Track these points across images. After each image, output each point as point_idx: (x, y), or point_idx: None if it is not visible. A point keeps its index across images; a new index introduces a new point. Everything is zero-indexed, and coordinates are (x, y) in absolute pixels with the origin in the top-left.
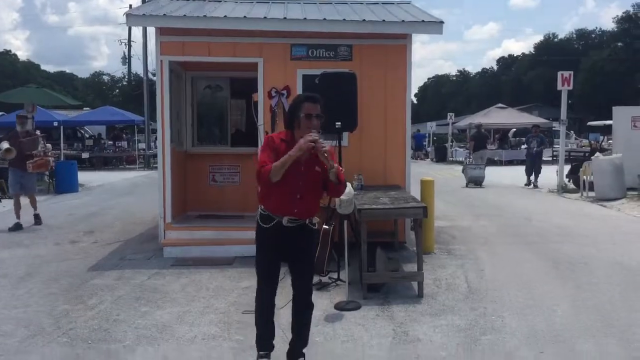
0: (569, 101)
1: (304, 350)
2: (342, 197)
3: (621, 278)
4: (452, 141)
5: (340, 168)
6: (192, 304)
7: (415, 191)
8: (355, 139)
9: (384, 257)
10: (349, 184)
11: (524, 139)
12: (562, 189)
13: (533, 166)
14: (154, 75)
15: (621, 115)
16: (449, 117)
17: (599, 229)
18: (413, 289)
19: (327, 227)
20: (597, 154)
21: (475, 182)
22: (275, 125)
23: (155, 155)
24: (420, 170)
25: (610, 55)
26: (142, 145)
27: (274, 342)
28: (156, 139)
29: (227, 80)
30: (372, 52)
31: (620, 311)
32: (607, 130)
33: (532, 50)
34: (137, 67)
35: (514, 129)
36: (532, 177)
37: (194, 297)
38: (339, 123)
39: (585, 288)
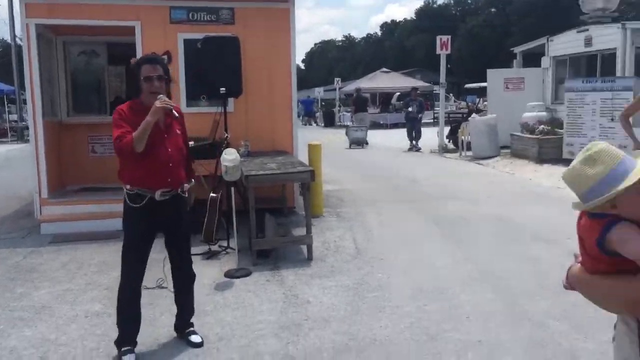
0: (448, 65)
1: (192, 320)
2: (228, 164)
3: (496, 231)
4: (339, 106)
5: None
6: (73, 281)
7: (303, 156)
8: (241, 105)
9: (273, 222)
10: (234, 150)
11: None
12: (443, 150)
13: (414, 129)
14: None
15: (495, 78)
16: (335, 82)
17: (477, 186)
18: (303, 252)
19: (214, 195)
20: (474, 115)
21: (357, 143)
22: None
23: (28, 127)
24: (310, 135)
25: (485, 21)
26: (14, 117)
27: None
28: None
29: (104, 45)
30: (255, 16)
31: (495, 263)
32: (483, 93)
33: (413, 16)
34: (4, 32)
35: (398, 93)
36: (414, 140)
37: (75, 274)
38: (224, 89)
39: (464, 242)
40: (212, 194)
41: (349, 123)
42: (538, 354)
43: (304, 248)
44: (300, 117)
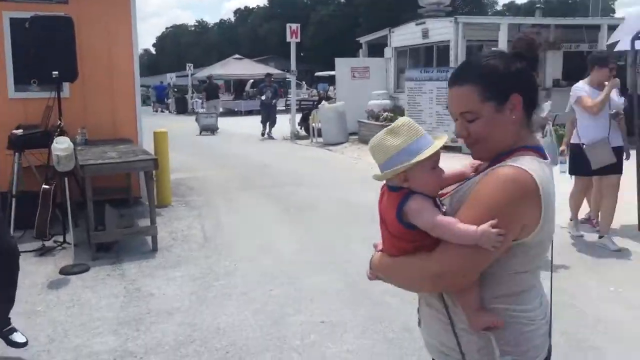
0: (301, 53)
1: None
2: (59, 153)
3: (341, 214)
4: (192, 92)
5: None
6: None
7: (150, 144)
8: (78, 89)
9: (114, 214)
10: (67, 139)
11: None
12: (295, 136)
13: (269, 117)
14: None
15: (342, 67)
16: (187, 68)
17: (325, 172)
18: (148, 244)
19: (47, 187)
20: (323, 102)
21: (208, 129)
22: None
23: None
24: (160, 122)
25: (334, 11)
26: None
27: None
28: None
29: None
30: None
31: (339, 245)
32: (333, 81)
33: (266, 3)
34: None
35: (252, 80)
36: (267, 127)
37: None
38: (56, 72)
39: (311, 226)
40: (44, 186)
41: (200, 110)
42: (376, 329)
43: (149, 239)
44: (152, 105)
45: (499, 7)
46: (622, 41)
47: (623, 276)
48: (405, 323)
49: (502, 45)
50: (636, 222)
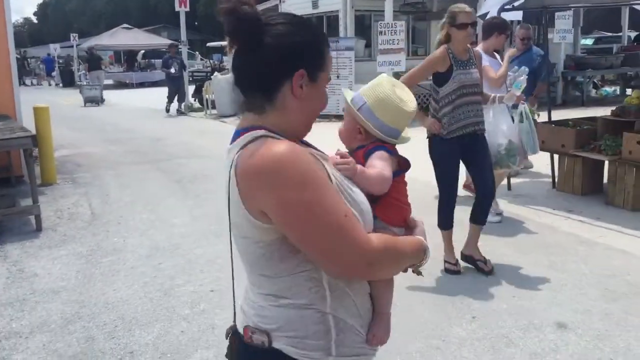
0: (195, 23)
1: None
2: None
3: None
4: (79, 64)
5: None
6: None
7: (31, 120)
8: None
9: None
10: None
11: (155, 61)
12: (189, 109)
13: (178, 91)
14: None
15: None
16: (72, 39)
17: (219, 144)
18: (31, 224)
19: None
20: (216, 73)
21: (92, 101)
22: None
23: None
24: (45, 97)
25: None
26: None
27: None
28: None
29: None
30: None
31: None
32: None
33: None
34: None
35: (143, 51)
36: (175, 102)
37: None
38: None
39: (203, 198)
40: None
41: (84, 82)
42: None
43: (33, 219)
44: (35, 78)
45: None
46: (491, 13)
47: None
48: None
49: (389, 15)
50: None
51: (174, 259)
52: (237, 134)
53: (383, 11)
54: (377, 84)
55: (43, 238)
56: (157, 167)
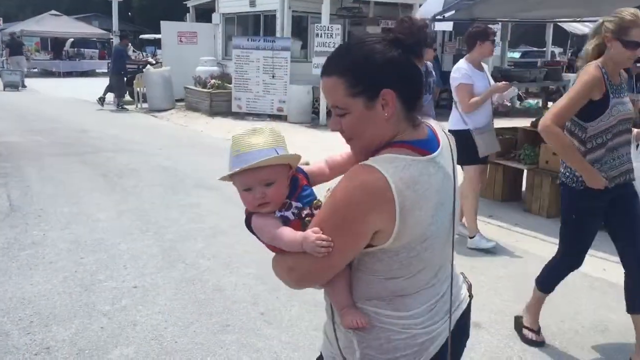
0: (129, 13)
1: None
2: None
3: (163, 181)
4: (2, 49)
5: None
6: None
7: None
8: None
9: None
10: None
11: (83, 50)
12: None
13: (120, 83)
14: None
15: (169, 30)
16: None
17: (149, 138)
18: None
19: None
20: (148, 66)
21: (12, 86)
22: None
23: None
24: None
25: None
26: None
27: None
28: None
29: None
30: None
31: (158, 212)
32: (160, 44)
33: None
34: None
35: (72, 39)
36: (113, 95)
37: None
38: None
39: (130, 192)
40: None
41: (4, 67)
42: (188, 290)
43: None
44: None
45: None
46: None
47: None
48: (217, 284)
49: (325, 18)
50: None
51: (96, 254)
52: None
53: (320, 13)
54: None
55: None
56: (82, 160)
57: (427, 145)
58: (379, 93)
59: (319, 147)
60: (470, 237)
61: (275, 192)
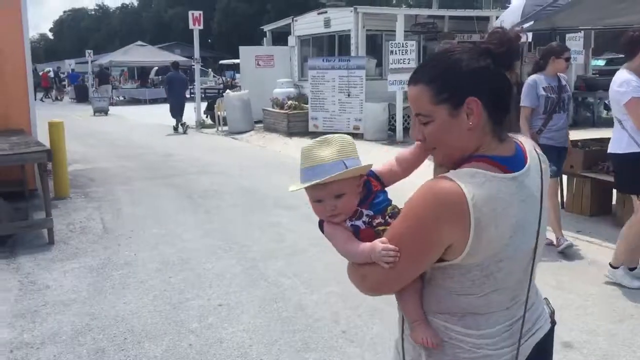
0: (208, 40)
1: None
2: None
3: (244, 201)
4: (93, 79)
5: None
6: None
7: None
8: None
9: (7, 207)
10: None
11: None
12: (201, 125)
13: (181, 108)
14: None
15: (247, 55)
16: (87, 55)
17: (230, 160)
18: (44, 237)
19: None
20: (228, 91)
21: (100, 111)
22: None
23: None
24: (58, 112)
25: None
26: None
27: None
28: None
29: None
30: None
31: (240, 231)
32: (239, 68)
33: None
34: None
35: (156, 67)
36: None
37: None
38: None
39: (213, 213)
40: None
41: (94, 95)
42: (271, 309)
43: (45, 232)
44: (46, 94)
45: None
46: None
47: None
48: (299, 302)
49: (400, 35)
50: None
51: (184, 273)
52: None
53: (394, 31)
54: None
55: (55, 251)
56: (168, 183)
57: (511, 163)
58: (464, 101)
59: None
60: (614, 267)
61: (346, 204)
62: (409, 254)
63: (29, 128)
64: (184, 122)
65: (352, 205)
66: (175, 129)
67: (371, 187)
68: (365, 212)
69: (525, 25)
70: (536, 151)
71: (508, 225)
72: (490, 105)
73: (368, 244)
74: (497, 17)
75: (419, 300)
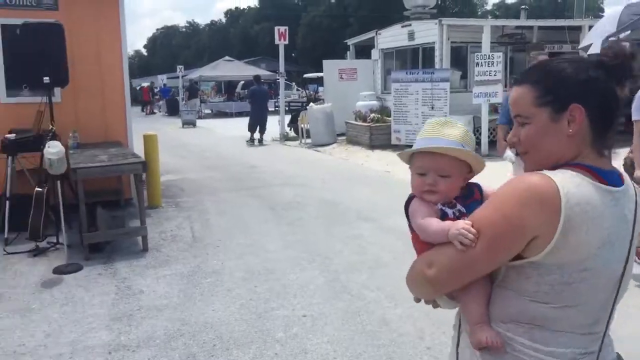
0: (292, 54)
1: None
2: (51, 157)
3: (326, 213)
4: (184, 94)
5: None
6: None
7: (141, 147)
8: (69, 94)
9: (105, 215)
10: (58, 143)
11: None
12: (284, 138)
13: (260, 121)
14: None
15: (330, 68)
16: (178, 70)
17: (313, 172)
18: (138, 244)
19: (39, 189)
20: (311, 104)
21: (189, 123)
22: None
23: None
24: (151, 126)
25: (325, 11)
26: None
27: None
28: None
29: None
30: (82, 2)
31: (322, 243)
32: (322, 82)
33: (257, 4)
34: None
35: (242, 82)
36: (257, 133)
37: None
38: (47, 78)
39: (296, 224)
40: (37, 189)
41: (183, 108)
42: (354, 322)
43: (140, 240)
44: (142, 107)
45: (488, 7)
46: (594, 45)
47: None
48: (382, 316)
49: (486, 47)
50: None
51: (268, 283)
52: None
53: (480, 42)
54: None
55: (149, 258)
56: (253, 194)
57: (609, 177)
58: (568, 107)
59: (478, 177)
60: None
61: (447, 186)
62: (488, 241)
63: (125, 140)
64: (260, 137)
65: (452, 191)
66: (252, 141)
67: (473, 194)
68: (459, 206)
69: (622, 35)
70: (634, 186)
71: (599, 235)
72: (594, 116)
73: (448, 222)
74: (589, 27)
75: (484, 302)
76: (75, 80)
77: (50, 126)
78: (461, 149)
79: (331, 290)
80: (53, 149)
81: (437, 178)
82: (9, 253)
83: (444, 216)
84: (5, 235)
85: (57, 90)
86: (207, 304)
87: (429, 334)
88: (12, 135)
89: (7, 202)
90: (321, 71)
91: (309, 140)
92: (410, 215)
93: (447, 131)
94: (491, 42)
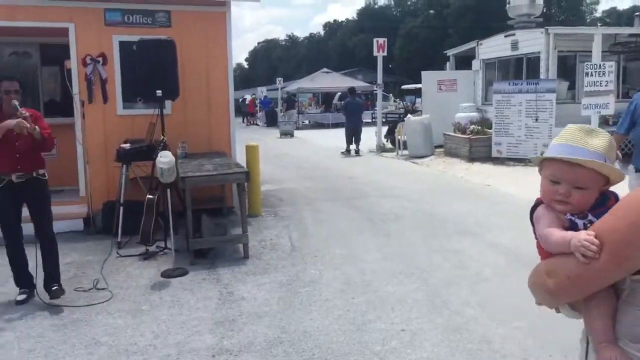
0: (390, 65)
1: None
2: (163, 166)
3: (425, 226)
4: (282, 105)
5: (48, 131)
6: None
7: (243, 157)
8: (179, 106)
9: (209, 222)
10: (169, 153)
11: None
12: (381, 149)
13: (354, 133)
14: None
15: (429, 79)
16: (277, 82)
17: (410, 184)
18: (240, 251)
19: (151, 197)
20: (409, 115)
21: (286, 134)
22: (92, 94)
23: None
24: (252, 136)
25: (423, 23)
26: None
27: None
28: None
29: (36, 46)
30: (192, 19)
31: (421, 256)
32: (420, 93)
33: (355, 16)
34: None
35: (339, 93)
36: (353, 145)
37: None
38: (160, 91)
39: (393, 237)
40: (148, 196)
41: (280, 119)
42: (454, 339)
43: (241, 247)
44: (243, 118)
45: (598, 14)
46: None
47: None
48: (484, 335)
49: (597, 56)
50: None
51: (366, 295)
52: None
53: (589, 51)
54: (572, 135)
55: (249, 265)
56: (350, 204)
57: None
58: None
59: None
60: None
61: (581, 199)
62: (612, 251)
63: (229, 150)
64: (357, 148)
65: (586, 204)
66: (347, 152)
67: (608, 202)
68: (590, 216)
69: None
70: None
71: None
72: None
73: (570, 232)
74: None
75: (610, 320)
76: (185, 93)
77: (162, 137)
78: (604, 163)
79: (430, 305)
80: (164, 158)
81: (571, 189)
82: (122, 256)
83: (573, 227)
84: (119, 239)
85: (167, 103)
86: (306, 313)
87: (534, 357)
88: (127, 145)
89: (121, 208)
90: (418, 82)
91: (405, 152)
92: (535, 221)
93: (591, 140)
94: (602, 51)
